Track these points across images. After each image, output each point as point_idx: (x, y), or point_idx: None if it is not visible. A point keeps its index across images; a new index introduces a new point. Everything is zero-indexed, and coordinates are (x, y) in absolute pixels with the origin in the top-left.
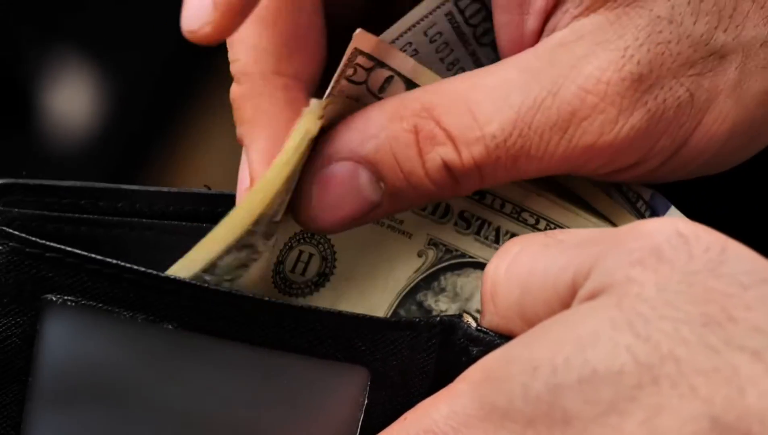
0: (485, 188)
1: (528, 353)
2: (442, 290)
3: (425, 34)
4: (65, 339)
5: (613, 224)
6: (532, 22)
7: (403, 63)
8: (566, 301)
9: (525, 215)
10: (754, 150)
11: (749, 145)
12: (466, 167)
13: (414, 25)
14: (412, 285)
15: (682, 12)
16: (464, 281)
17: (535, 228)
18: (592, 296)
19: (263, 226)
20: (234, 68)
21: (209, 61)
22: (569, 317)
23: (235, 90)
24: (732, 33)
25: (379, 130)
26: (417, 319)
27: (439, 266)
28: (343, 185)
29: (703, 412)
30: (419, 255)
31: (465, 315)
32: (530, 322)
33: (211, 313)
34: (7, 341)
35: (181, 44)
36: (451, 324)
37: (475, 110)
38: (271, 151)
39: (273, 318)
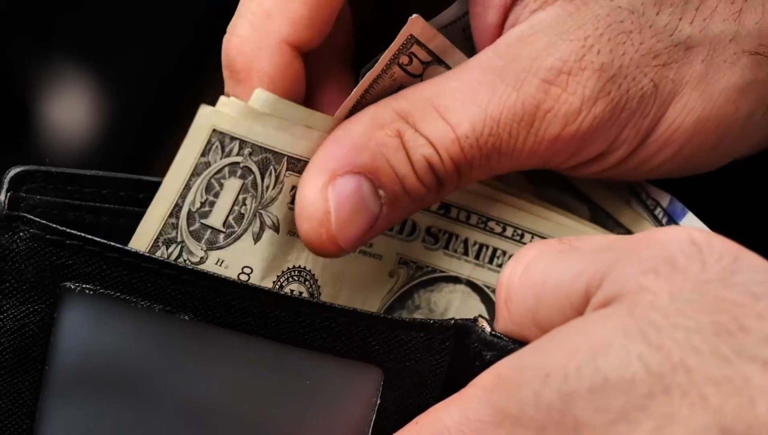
0: (449, 201)
1: (540, 360)
2: (417, 308)
3: (463, 30)
4: (82, 328)
5: (624, 228)
6: (492, 15)
7: (461, 62)
8: (579, 308)
9: (491, 224)
10: (725, 151)
11: (719, 145)
12: (447, 167)
13: (455, 21)
14: (386, 306)
15: (644, 2)
16: (437, 296)
17: (502, 236)
18: (605, 304)
19: (183, 220)
20: None
21: (210, 66)
22: (582, 325)
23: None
24: (698, 25)
25: (367, 139)
26: (431, 321)
27: (412, 284)
28: (351, 199)
29: (713, 421)
30: (391, 275)
31: (480, 319)
32: (544, 328)
33: (227, 305)
34: (25, 329)
35: (181, 50)
36: (465, 327)
37: (445, 114)
38: None
39: (289, 313)
